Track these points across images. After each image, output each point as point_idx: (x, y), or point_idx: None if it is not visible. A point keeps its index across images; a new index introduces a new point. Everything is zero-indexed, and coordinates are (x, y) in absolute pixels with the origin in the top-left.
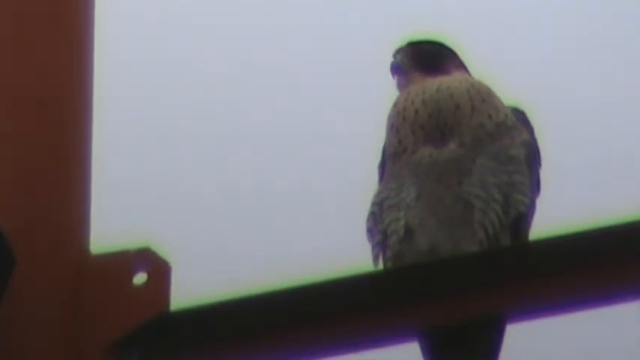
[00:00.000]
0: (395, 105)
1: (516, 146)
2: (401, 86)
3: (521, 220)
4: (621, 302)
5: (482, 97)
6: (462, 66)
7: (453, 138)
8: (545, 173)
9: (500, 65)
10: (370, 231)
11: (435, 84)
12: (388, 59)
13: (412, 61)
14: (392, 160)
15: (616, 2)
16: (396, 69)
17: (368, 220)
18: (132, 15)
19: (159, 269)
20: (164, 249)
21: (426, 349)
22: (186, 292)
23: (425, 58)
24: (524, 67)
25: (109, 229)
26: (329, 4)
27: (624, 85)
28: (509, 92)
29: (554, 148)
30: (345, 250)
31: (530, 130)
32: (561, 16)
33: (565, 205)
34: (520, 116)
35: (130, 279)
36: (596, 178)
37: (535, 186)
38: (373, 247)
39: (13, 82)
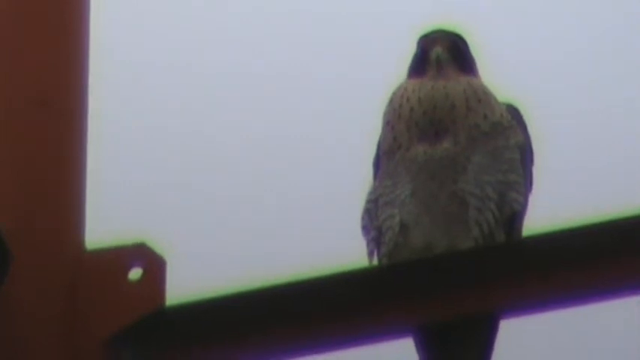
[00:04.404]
0: (390, 102)
1: (511, 146)
2: (434, 79)
3: (515, 218)
4: (616, 298)
5: (479, 96)
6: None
7: (447, 136)
8: (540, 170)
9: (497, 63)
10: (365, 228)
11: (431, 82)
12: (382, 60)
13: (451, 57)
14: (387, 157)
15: (615, 3)
16: (438, 62)
17: (363, 217)
18: (132, 16)
19: (154, 264)
20: (159, 244)
21: (420, 345)
22: (182, 287)
23: (461, 56)
24: (520, 64)
25: (104, 224)
26: (327, 8)
27: (621, 81)
28: (505, 89)
29: (548, 145)
30: (340, 247)
31: (523, 127)
32: (561, 17)
33: (559, 201)
34: (514, 113)
35: (126, 274)
36: (590, 174)
37: (527, 183)
38: (368, 244)
39: (13, 83)
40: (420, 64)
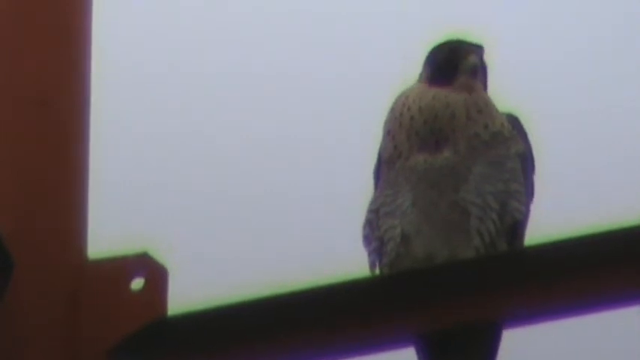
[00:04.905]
0: (392, 110)
1: (512, 156)
2: (464, 87)
3: (517, 227)
4: (618, 307)
5: (479, 107)
6: None
7: (447, 146)
8: (542, 179)
9: (497, 63)
10: (367, 238)
11: (432, 91)
12: (383, 60)
13: (480, 67)
14: (387, 166)
15: (615, 3)
16: (473, 70)
17: (364, 228)
18: (132, 16)
19: (156, 274)
20: (161, 254)
21: (422, 355)
22: (184, 296)
23: (483, 69)
24: (520, 64)
25: (106, 234)
26: (327, 8)
27: (621, 81)
28: (504, 89)
29: (549, 151)
30: (342, 256)
31: (524, 136)
32: (561, 17)
33: (561, 210)
34: (514, 122)
35: (128, 284)
36: (592, 183)
37: (529, 192)
38: (370, 254)
39: (13, 83)
40: (446, 70)
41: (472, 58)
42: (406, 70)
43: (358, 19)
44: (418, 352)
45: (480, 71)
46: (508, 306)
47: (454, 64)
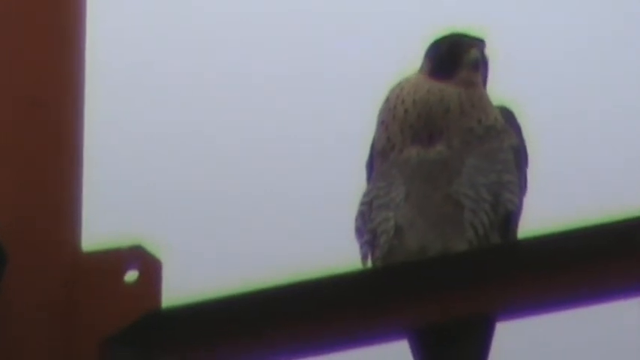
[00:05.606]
0: (386, 101)
1: (505, 148)
2: (464, 82)
3: (510, 218)
4: (612, 300)
5: (473, 102)
6: None
7: (440, 140)
8: (535, 171)
9: (496, 62)
10: (359, 230)
11: (427, 85)
12: (383, 60)
13: (482, 62)
14: (380, 158)
15: (615, 3)
16: (476, 65)
17: (357, 220)
18: (131, 16)
19: (150, 267)
20: (155, 246)
21: (415, 348)
22: (178, 289)
23: (485, 64)
24: (520, 64)
25: (100, 226)
26: (327, 8)
27: (621, 81)
28: (504, 89)
29: (544, 146)
30: (335, 249)
31: (517, 129)
32: (561, 17)
33: (554, 203)
34: (508, 116)
35: (122, 276)
36: (585, 176)
37: (522, 185)
38: (362, 247)
39: (10, 83)
40: (448, 64)
41: (474, 52)
42: (405, 70)
43: (358, 19)
44: (411, 346)
45: (481, 65)
46: (501, 299)
47: (456, 57)
